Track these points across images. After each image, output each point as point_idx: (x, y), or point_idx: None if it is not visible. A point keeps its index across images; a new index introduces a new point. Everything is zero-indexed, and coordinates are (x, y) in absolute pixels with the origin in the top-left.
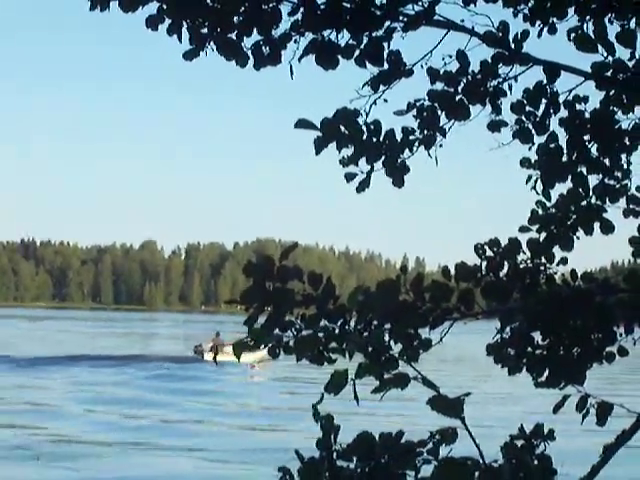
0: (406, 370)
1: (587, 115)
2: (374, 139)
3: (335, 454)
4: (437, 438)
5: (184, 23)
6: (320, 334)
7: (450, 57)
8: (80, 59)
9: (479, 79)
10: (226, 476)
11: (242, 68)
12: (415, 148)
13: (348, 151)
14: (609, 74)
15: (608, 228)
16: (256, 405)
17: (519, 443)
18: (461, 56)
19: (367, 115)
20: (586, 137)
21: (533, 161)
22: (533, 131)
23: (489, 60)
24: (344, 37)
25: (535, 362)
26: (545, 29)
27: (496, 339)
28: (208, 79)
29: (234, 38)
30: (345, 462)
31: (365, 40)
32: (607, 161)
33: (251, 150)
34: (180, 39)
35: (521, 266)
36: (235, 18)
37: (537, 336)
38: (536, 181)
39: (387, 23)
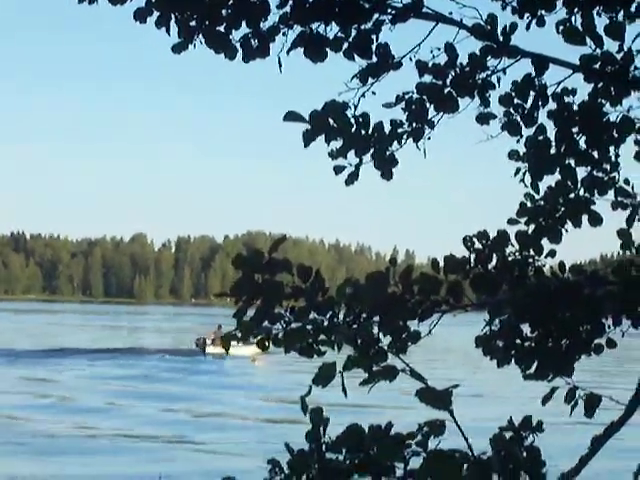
0: (395, 362)
1: (575, 107)
2: (363, 132)
3: (324, 446)
4: (425, 430)
5: (172, 16)
6: (309, 326)
7: (438, 50)
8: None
9: (467, 72)
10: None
11: (231, 61)
12: (404, 141)
13: (337, 144)
14: (597, 66)
15: (596, 220)
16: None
17: (508, 435)
18: (449, 49)
19: (356, 108)
20: (574, 129)
21: (522, 153)
22: (521, 123)
23: (477, 53)
24: (332, 30)
25: (524, 354)
26: (533, 22)
27: (485, 331)
28: (198, 76)
29: (222, 31)
30: (334, 454)
31: (353, 33)
32: (595, 153)
33: (242, 144)
34: (169, 32)
35: (510, 258)
36: (223, 11)
37: (526, 328)
38: (524, 173)
39: (375, 16)
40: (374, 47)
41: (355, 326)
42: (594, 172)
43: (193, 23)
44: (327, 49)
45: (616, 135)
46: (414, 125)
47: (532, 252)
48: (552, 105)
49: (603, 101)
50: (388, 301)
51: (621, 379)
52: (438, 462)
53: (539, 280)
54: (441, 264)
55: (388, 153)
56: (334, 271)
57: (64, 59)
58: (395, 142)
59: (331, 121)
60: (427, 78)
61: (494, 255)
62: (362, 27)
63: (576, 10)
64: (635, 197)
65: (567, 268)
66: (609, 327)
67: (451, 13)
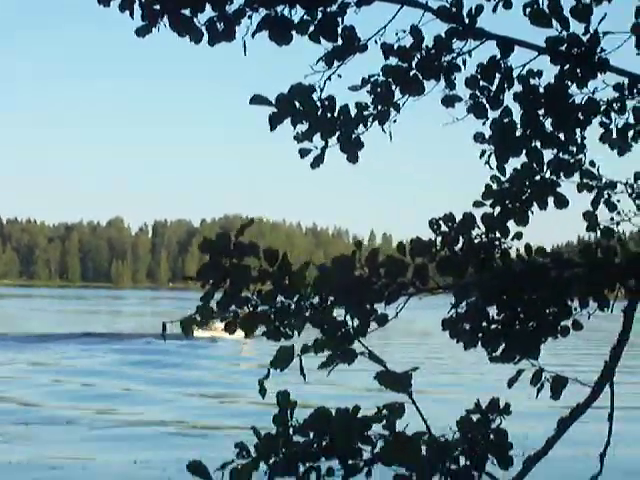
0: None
1: (541, 90)
2: (328, 115)
3: (292, 430)
4: (385, 413)
5: None
6: (274, 309)
7: (404, 32)
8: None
9: (433, 54)
10: None
11: (196, 44)
12: (369, 123)
13: (303, 127)
14: (563, 49)
15: (562, 202)
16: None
17: (475, 417)
18: (415, 31)
19: (322, 91)
20: (540, 112)
21: (487, 136)
22: (487, 106)
23: (443, 35)
24: (298, 13)
25: (490, 336)
26: (500, 4)
27: (451, 314)
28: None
29: (187, 14)
30: (302, 437)
31: (319, 15)
32: (561, 136)
33: (219, 128)
34: (132, 15)
35: (476, 241)
36: None
37: (492, 311)
38: (489, 156)
39: None
40: (340, 30)
41: (322, 309)
42: (560, 154)
43: (157, 7)
44: (292, 32)
45: (582, 117)
46: (380, 108)
47: (498, 235)
48: (518, 87)
49: (569, 83)
50: (354, 284)
51: (589, 362)
52: (398, 444)
53: (505, 263)
54: (407, 247)
55: (354, 136)
56: (311, 255)
57: None
58: (361, 125)
59: (297, 104)
60: (393, 61)
61: (460, 238)
62: (327, 10)
63: None
64: (600, 179)
65: (533, 250)
66: (575, 309)
67: None
